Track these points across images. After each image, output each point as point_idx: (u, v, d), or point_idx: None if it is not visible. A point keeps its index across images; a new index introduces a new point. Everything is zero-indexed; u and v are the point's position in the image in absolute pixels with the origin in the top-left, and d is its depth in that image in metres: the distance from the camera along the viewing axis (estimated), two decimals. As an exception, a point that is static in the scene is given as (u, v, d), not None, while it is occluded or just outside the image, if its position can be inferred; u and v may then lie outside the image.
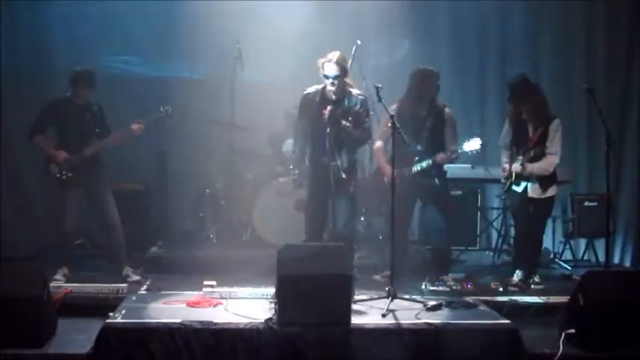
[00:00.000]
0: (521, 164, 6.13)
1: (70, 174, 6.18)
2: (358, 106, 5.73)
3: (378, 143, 6.37)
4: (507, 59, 8.10)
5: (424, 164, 6.10)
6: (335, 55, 5.66)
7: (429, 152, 6.12)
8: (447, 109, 6.23)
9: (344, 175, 5.64)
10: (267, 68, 7.75)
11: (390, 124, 5.52)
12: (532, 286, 6.16)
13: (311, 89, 5.87)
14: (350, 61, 7.31)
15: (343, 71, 5.67)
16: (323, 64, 5.68)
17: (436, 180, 6.19)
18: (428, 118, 6.15)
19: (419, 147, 6.12)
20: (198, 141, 7.81)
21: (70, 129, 6.23)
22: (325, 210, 5.80)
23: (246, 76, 7.41)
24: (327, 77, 5.68)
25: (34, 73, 7.73)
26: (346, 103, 5.72)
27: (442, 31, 8.30)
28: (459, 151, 6.05)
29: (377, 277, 6.34)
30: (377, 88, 5.55)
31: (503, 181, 6.37)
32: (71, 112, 6.23)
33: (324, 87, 5.78)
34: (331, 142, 5.68)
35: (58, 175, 6.19)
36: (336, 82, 5.65)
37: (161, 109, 6.42)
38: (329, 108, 5.65)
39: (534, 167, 6.12)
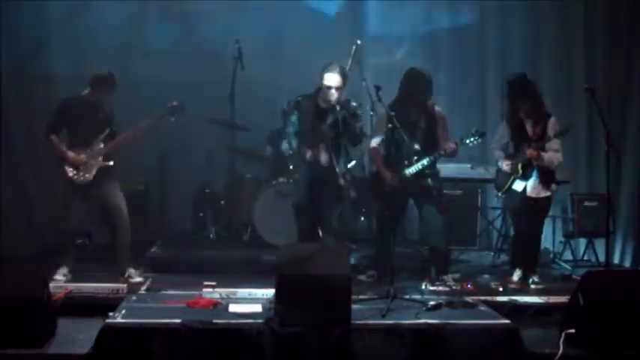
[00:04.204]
0: (533, 148, 6.06)
1: (87, 175, 6.14)
2: (351, 113, 6.02)
3: (374, 144, 6.33)
4: (507, 59, 8.10)
5: (424, 162, 6.07)
6: (336, 66, 5.99)
7: (426, 151, 6.08)
8: (437, 108, 6.23)
9: (342, 181, 5.94)
10: (267, 68, 7.74)
11: (389, 125, 5.55)
12: (532, 286, 6.17)
13: (304, 96, 6.13)
14: (349, 61, 7.37)
15: (344, 81, 5.97)
16: (324, 75, 5.95)
17: (430, 180, 6.17)
18: (421, 118, 6.12)
19: (416, 146, 6.10)
20: (198, 141, 7.81)
21: (83, 128, 6.15)
22: (317, 211, 6.08)
23: (246, 76, 7.40)
24: (329, 88, 5.92)
25: (34, 73, 7.72)
26: (339, 114, 5.95)
27: (442, 31, 8.31)
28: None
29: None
30: (377, 88, 5.56)
31: (501, 179, 6.32)
32: (85, 110, 6.15)
33: (317, 96, 6.05)
34: (328, 148, 6.00)
35: (75, 177, 6.10)
36: (337, 92, 5.92)
37: (168, 105, 6.38)
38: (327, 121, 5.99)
39: (545, 155, 6.10)
